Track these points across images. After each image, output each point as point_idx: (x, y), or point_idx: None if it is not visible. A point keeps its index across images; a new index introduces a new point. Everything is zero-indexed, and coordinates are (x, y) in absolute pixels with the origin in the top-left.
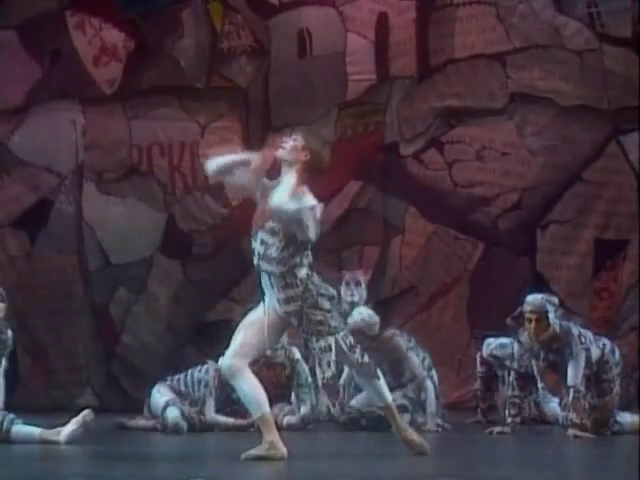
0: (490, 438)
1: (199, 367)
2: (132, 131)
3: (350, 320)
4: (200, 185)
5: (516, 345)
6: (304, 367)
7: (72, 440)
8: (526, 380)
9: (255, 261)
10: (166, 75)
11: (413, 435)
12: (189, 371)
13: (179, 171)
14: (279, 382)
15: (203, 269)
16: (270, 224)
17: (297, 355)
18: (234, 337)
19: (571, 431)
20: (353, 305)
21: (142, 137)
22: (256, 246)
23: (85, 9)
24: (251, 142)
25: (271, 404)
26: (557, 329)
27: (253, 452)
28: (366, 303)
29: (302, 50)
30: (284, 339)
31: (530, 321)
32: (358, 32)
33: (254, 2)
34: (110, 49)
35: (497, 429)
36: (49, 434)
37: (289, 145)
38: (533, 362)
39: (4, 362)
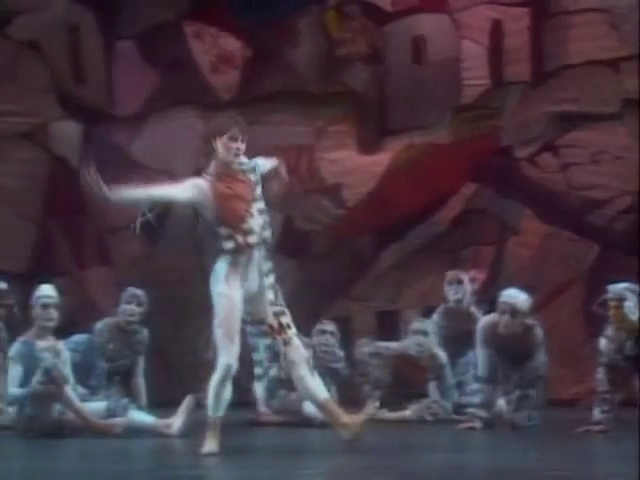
0: (602, 434)
1: None
2: (250, 136)
3: (504, 299)
4: (317, 187)
5: (603, 340)
6: (449, 372)
7: (183, 432)
8: (616, 374)
9: (257, 237)
10: (283, 81)
11: None
12: None
13: (296, 173)
14: (420, 383)
15: (320, 268)
16: (259, 192)
17: (443, 360)
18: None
19: None
20: (457, 303)
21: (260, 141)
22: (259, 219)
23: (203, 18)
24: (367, 145)
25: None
26: (635, 317)
27: None
28: (481, 302)
29: (417, 56)
30: (432, 342)
31: (609, 309)
32: (472, 38)
33: (369, 9)
34: (227, 57)
35: (595, 428)
36: (161, 426)
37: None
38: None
39: (142, 361)
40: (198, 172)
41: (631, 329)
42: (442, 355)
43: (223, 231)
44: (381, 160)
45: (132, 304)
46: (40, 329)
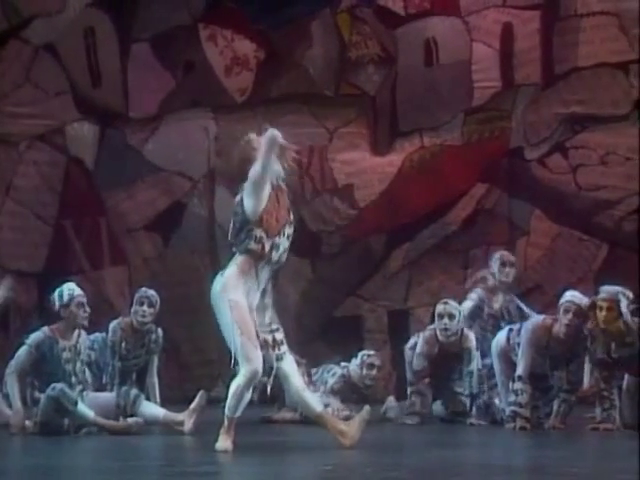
0: (609, 431)
1: (330, 367)
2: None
3: (569, 299)
4: (329, 188)
5: (589, 339)
6: (476, 356)
7: (195, 429)
8: (607, 372)
9: (278, 256)
10: (296, 83)
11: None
12: (321, 368)
13: (308, 174)
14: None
15: (332, 267)
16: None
17: (471, 343)
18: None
19: None
20: (506, 285)
21: None
22: (282, 242)
23: (217, 21)
24: (379, 147)
25: None
26: (628, 321)
27: None
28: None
29: (428, 59)
30: (461, 324)
31: (601, 309)
32: (483, 41)
33: (381, 13)
34: (241, 59)
35: (602, 426)
36: (171, 419)
37: None
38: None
39: (156, 360)
40: (212, 173)
41: (617, 332)
42: (472, 337)
43: (257, 232)
44: (393, 161)
45: (144, 305)
46: (68, 327)
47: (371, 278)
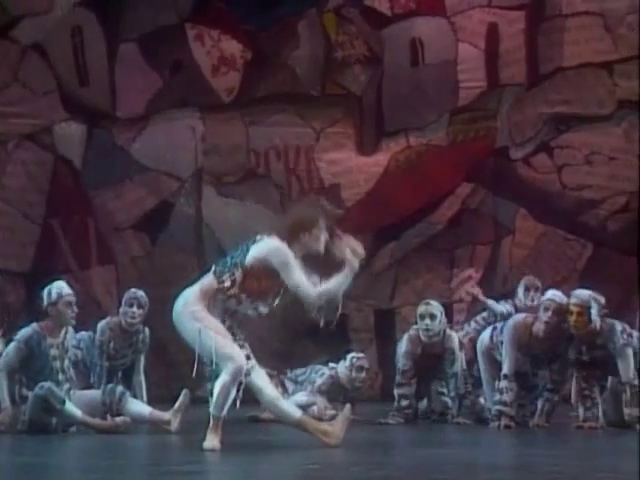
0: (593, 430)
1: (318, 367)
2: (249, 137)
3: (550, 298)
4: (315, 187)
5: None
6: (459, 356)
7: (181, 428)
8: (586, 371)
9: (231, 307)
10: (282, 83)
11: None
12: (309, 368)
13: (295, 174)
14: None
15: (318, 267)
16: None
17: (454, 343)
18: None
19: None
20: (530, 309)
21: (259, 142)
22: (246, 306)
23: (204, 22)
24: (365, 147)
25: None
26: (597, 326)
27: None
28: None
29: (414, 59)
30: (443, 325)
31: (572, 314)
32: (469, 41)
33: (367, 13)
34: (228, 59)
35: (586, 424)
36: (157, 417)
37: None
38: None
39: (143, 359)
40: (198, 172)
41: (587, 335)
42: (454, 337)
43: (238, 274)
44: (379, 161)
45: (133, 306)
46: (56, 325)
47: (357, 277)
